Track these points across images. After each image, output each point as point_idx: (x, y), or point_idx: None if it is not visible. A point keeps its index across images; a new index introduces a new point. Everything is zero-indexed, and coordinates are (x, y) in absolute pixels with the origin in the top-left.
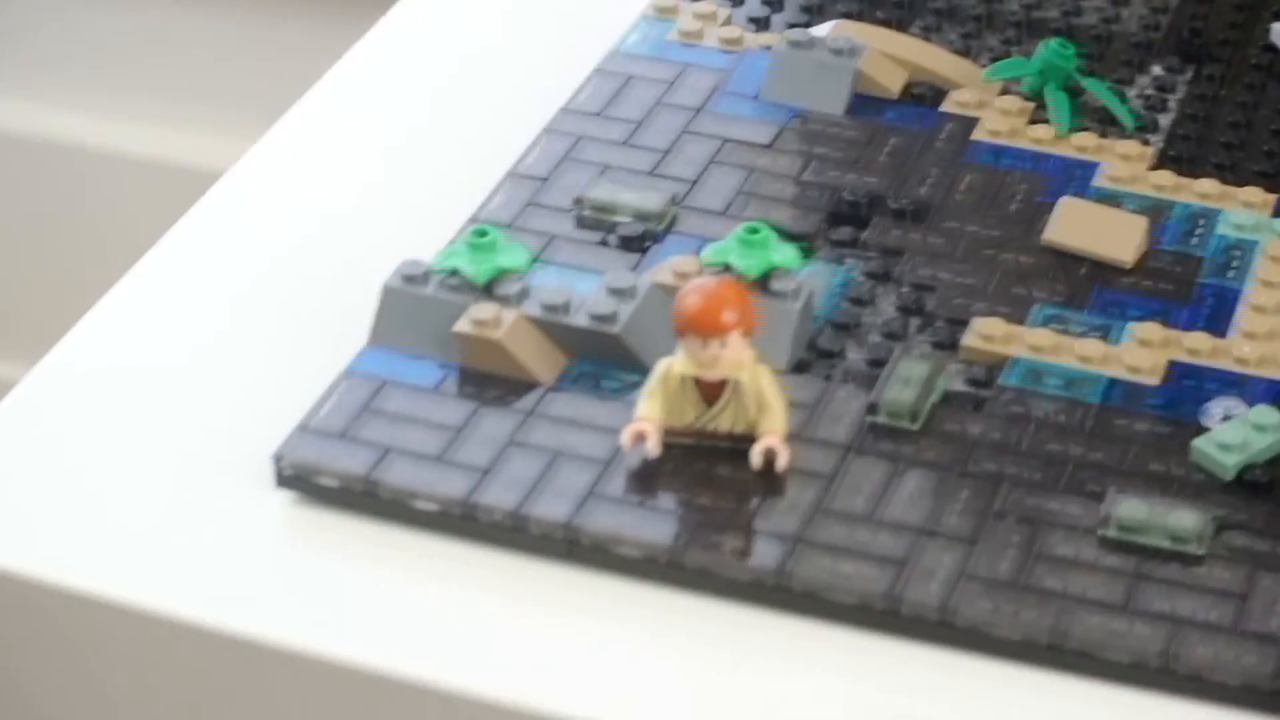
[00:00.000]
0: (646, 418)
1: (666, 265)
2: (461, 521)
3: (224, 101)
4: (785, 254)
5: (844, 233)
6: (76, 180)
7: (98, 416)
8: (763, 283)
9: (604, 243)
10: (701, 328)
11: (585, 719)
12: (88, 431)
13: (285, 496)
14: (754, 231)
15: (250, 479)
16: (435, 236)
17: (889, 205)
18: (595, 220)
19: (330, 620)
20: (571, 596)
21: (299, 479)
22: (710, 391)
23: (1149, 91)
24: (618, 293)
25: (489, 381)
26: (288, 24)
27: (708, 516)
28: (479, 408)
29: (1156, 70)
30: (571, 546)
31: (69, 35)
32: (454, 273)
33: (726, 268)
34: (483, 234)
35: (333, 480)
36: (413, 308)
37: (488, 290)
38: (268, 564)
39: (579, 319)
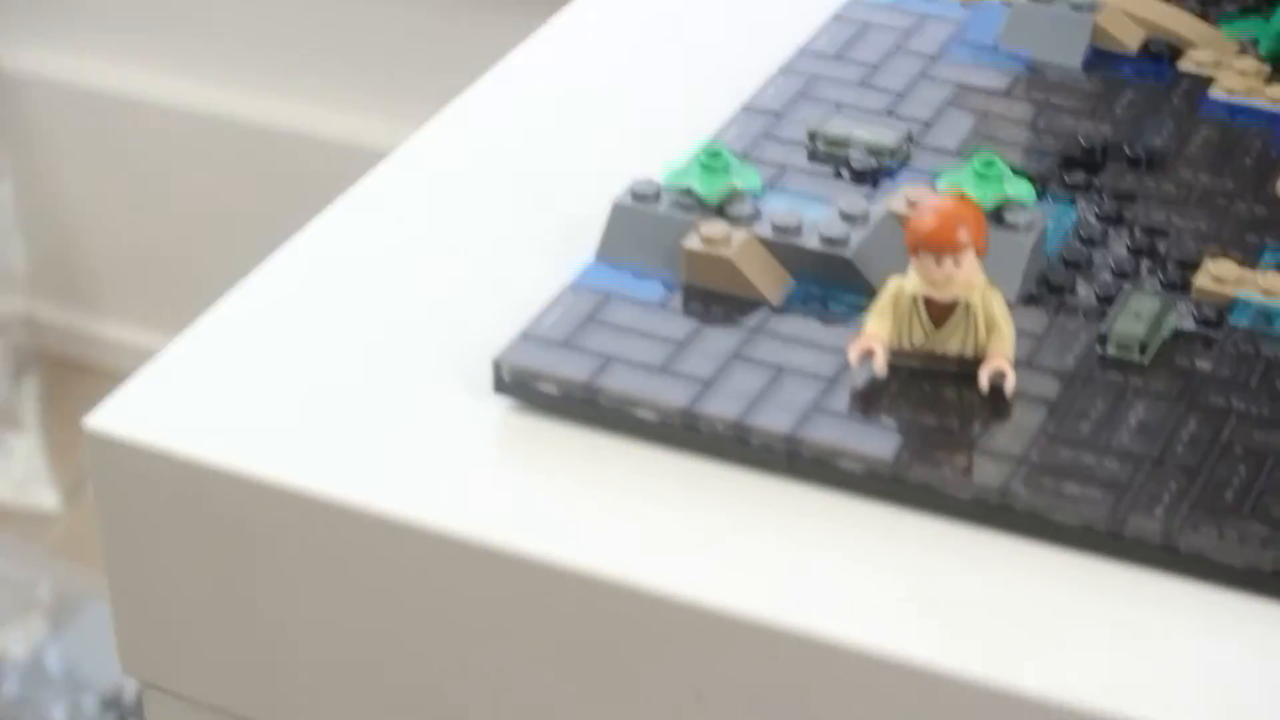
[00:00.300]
0: (875, 335)
1: (901, 193)
2: (682, 432)
3: (398, 85)
4: (1019, 188)
5: (1077, 176)
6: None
7: (322, 317)
8: (995, 215)
9: (837, 174)
10: (936, 244)
11: (800, 630)
12: (312, 331)
13: (503, 403)
14: (988, 164)
15: (469, 386)
16: (666, 163)
17: (1123, 152)
18: (828, 154)
19: (545, 525)
20: (791, 510)
21: (518, 385)
22: (940, 313)
23: None
24: (850, 217)
25: (715, 300)
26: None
27: (932, 434)
28: (704, 323)
29: None
30: (793, 459)
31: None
32: (685, 191)
33: (960, 198)
34: (715, 154)
35: (552, 387)
36: (642, 225)
37: (718, 210)
38: (485, 469)
39: (810, 241)
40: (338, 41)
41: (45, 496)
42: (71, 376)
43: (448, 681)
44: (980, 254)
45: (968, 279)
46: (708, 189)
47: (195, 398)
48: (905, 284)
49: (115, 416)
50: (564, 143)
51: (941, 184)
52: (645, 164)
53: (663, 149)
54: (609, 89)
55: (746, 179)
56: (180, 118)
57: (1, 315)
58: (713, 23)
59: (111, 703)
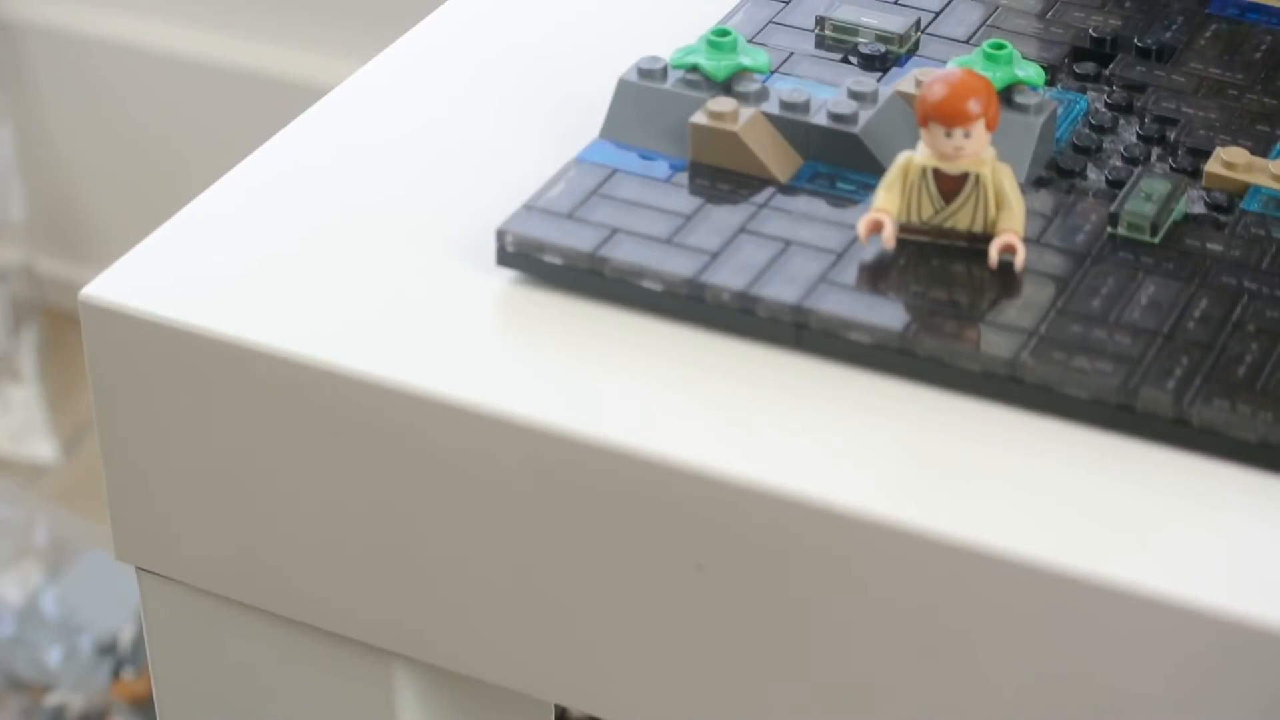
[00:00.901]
0: (884, 209)
1: (910, 75)
2: (688, 302)
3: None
4: (1029, 71)
5: (1088, 67)
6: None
7: (324, 193)
8: (1006, 96)
9: (845, 61)
10: (946, 115)
11: (806, 499)
12: (313, 207)
13: (507, 275)
14: (998, 47)
15: (474, 259)
16: (673, 45)
17: (1133, 44)
18: (836, 41)
19: (550, 394)
20: (798, 382)
21: (522, 256)
22: (949, 187)
23: None
24: (859, 96)
25: (722, 176)
26: None
27: (941, 307)
28: (711, 199)
29: None
30: (800, 331)
31: None
32: (693, 69)
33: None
34: (724, 34)
35: (556, 257)
36: (649, 102)
37: (726, 88)
38: (489, 339)
39: (819, 118)
40: None
41: (43, 448)
42: (71, 328)
43: (450, 554)
44: (991, 128)
45: (977, 152)
46: (715, 67)
47: (194, 270)
48: (915, 157)
49: (112, 286)
50: (573, 31)
51: (951, 67)
52: (653, 49)
53: (671, 36)
54: None
55: (755, 58)
56: (179, 65)
57: (1, 265)
58: None
59: (107, 648)
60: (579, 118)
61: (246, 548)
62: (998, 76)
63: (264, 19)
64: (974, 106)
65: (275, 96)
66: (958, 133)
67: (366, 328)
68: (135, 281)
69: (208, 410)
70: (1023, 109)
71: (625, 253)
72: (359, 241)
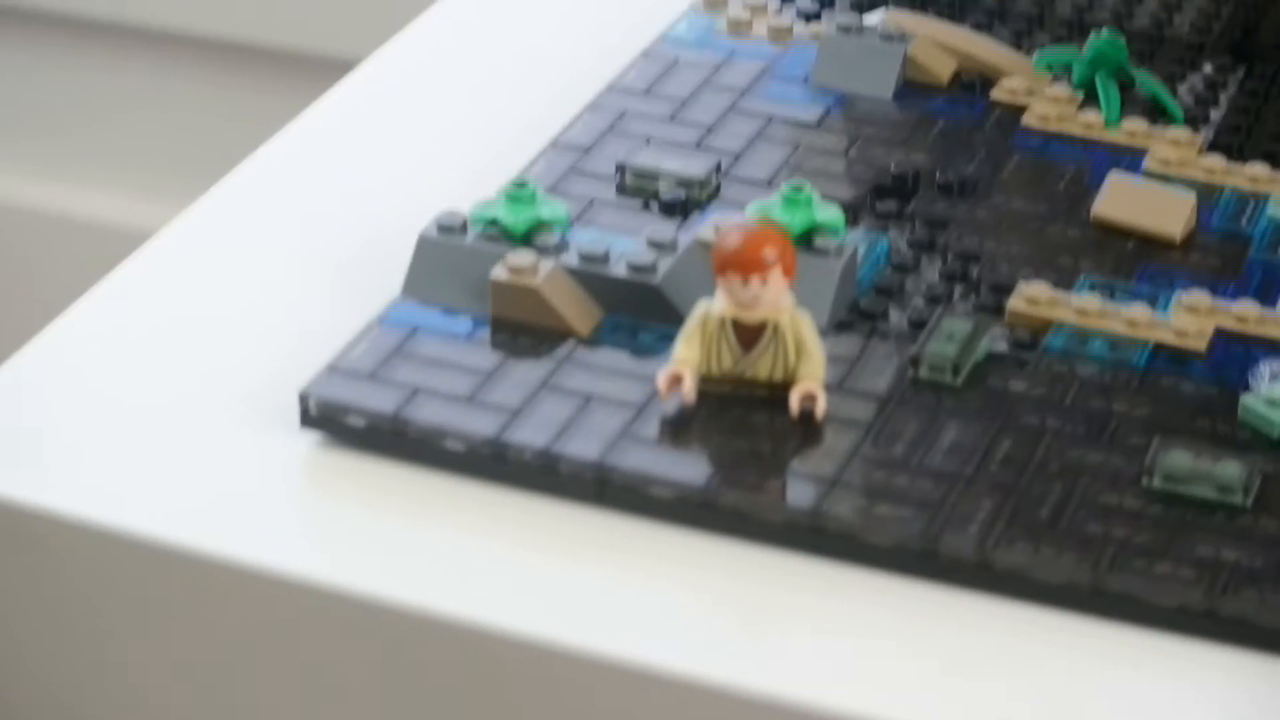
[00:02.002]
0: (683, 361)
1: (709, 222)
2: (490, 462)
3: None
4: (828, 214)
5: (889, 205)
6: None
7: (127, 357)
8: (805, 241)
9: (645, 207)
10: (742, 264)
11: (613, 658)
12: (117, 371)
13: (311, 438)
14: (797, 189)
15: (276, 422)
16: (474, 201)
17: (935, 180)
18: (637, 187)
19: (354, 558)
20: (602, 538)
21: (325, 418)
22: (748, 336)
23: (1199, 88)
24: (658, 245)
25: (523, 332)
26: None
27: (743, 459)
28: (512, 355)
29: (1207, 69)
30: (602, 487)
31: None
32: (491, 223)
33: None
34: (521, 186)
35: (360, 419)
36: (448, 258)
37: (525, 242)
38: (292, 502)
39: (618, 269)
40: (141, 133)
41: None
42: None
43: (264, 716)
44: (788, 275)
45: (775, 300)
46: (514, 221)
47: None
48: (713, 307)
49: None
50: (369, 186)
51: (750, 211)
52: (453, 203)
53: (470, 189)
54: (414, 133)
55: (553, 211)
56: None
57: None
58: (521, 63)
59: None
60: (382, 276)
61: (75, 712)
62: (797, 220)
63: (81, 164)
64: (769, 254)
65: (86, 243)
66: (754, 281)
67: (170, 494)
68: None
69: (16, 577)
70: (822, 253)
71: (427, 413)
72: (160, 405)
